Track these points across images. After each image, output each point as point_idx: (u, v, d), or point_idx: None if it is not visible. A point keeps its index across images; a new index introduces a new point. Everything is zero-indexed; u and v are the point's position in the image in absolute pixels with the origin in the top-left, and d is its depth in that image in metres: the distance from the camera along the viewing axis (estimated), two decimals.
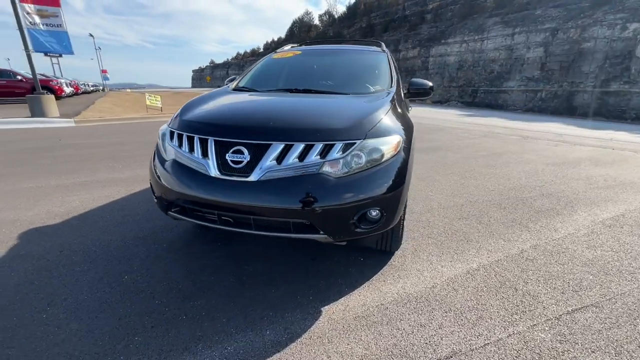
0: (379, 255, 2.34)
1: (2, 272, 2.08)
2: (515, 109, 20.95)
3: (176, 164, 1.89)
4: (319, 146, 1.71)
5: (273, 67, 3.24)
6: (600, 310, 1.80)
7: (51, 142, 6.38)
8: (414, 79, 2.87)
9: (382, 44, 3.52)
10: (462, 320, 1.72)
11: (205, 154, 1.78)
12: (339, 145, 1.72)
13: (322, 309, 1.79)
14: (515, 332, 1.64)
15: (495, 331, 1.64)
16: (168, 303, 1.81)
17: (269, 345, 1.54)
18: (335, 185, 1.67)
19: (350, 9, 43.48)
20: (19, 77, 15.38)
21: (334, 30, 42.98)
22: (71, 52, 10.39)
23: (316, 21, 49.30)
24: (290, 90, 2.59)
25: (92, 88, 34.12)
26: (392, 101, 2.28)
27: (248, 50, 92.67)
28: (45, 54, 11.30)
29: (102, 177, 4.12)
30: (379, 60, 3.07)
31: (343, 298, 1.89)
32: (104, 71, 46.91)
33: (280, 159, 1.69)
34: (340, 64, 3.17)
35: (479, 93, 24.95)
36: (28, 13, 9.68)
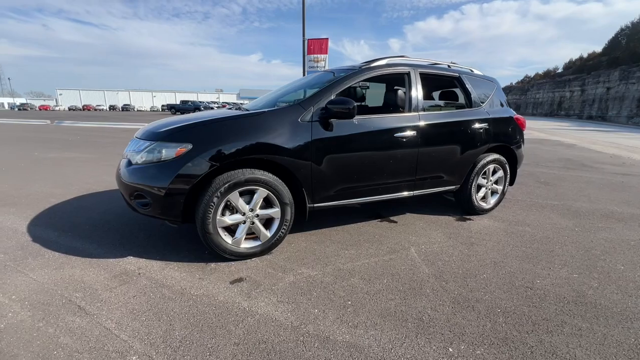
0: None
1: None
2: None
3: None
4: (145, 143, 2.33)
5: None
6: None
7: None
8: (334, 98, 2.49)
9: (383, 60, 2.95)
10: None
11: None
12: (146, 143, 2.30)
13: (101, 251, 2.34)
14: None
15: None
16: (99, 225, 3.05)
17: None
18: (130, 168, 2.28)
19: None
20: None
21: None
22: None
23: None
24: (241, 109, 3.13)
25: None
26: (246, 117, 2.41)
27: (541, 72, 78.64)
28: None
29: None
30: (320, 80, 3.02)
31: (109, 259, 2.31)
32: None
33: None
34: (305, 84, 3.29)
35: None
36: (310, 60, 14.58)
